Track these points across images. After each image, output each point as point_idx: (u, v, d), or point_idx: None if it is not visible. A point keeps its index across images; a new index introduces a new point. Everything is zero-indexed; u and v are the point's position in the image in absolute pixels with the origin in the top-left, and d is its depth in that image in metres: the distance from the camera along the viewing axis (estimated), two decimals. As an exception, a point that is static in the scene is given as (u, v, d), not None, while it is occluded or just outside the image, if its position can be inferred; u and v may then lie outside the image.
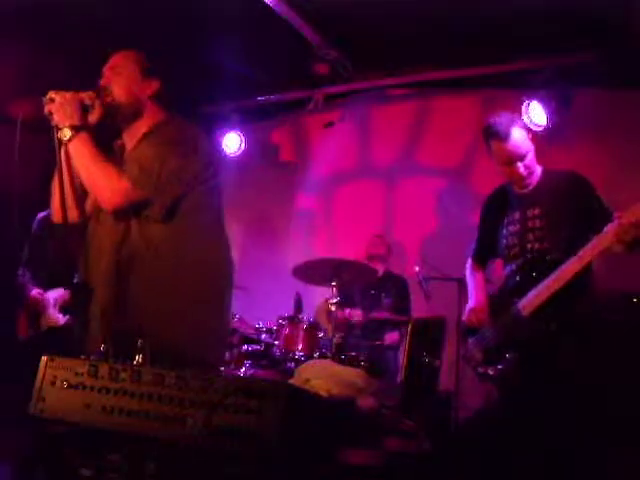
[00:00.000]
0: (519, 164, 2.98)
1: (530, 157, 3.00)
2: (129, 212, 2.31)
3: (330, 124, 5.78)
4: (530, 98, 4.65)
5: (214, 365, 2.38)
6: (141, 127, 2.41)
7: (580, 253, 2.74)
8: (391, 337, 4.87)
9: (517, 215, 3.07)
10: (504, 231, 3.10)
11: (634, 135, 4.66)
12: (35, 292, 3.99)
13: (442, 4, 4.13)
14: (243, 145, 5.98)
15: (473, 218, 5.11)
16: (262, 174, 6.24)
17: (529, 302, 2.88)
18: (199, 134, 2.41)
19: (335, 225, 6.09)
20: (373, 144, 6.00)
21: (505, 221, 3.11)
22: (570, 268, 2.76)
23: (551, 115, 4.55)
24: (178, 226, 2.33)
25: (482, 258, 3.34)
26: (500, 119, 3.01)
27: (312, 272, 4.53)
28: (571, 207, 2.93)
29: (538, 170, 3.06)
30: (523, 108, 4.67)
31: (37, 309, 3.97)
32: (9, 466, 2.28)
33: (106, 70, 2.40)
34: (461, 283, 4.47)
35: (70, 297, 3.81)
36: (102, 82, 2.37)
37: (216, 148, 5.33)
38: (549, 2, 4.00)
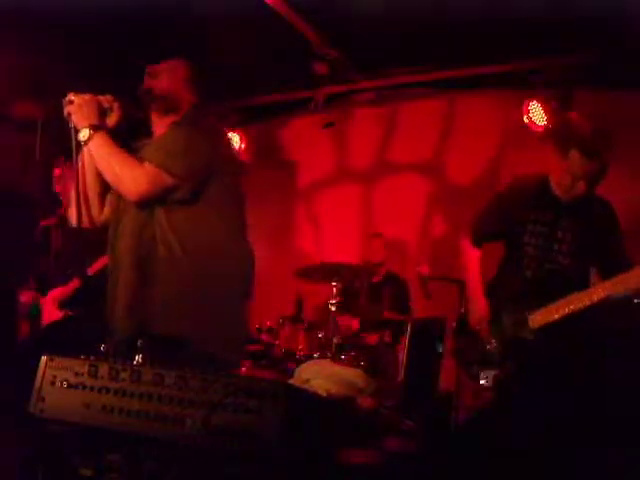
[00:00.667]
0: (587, 185, 2.84)
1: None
2: (155, 201, 2.30)
3: (330, 124, 5.78)
4: (530, 98, 4.66)
5: (230, 363, 2.35)
6: (171, 120, 2.44)
7: (605, 284, 2.72)
8: (371, 338, 4.87)
9: (549, 218, 2.94)
10: (528, 227, 2.96)
11: (634, 135, 4.65)
12: (25, 296, 4.09)
13: (442, 4, 4.13)
14: (243, 145, 5.98)
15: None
16: (262, 174, 6.24)
17: (541, 316, 2.84)
18: (219, 126, 2.51)
19: (335, 225, 6.08)
20: (374, 144, 6.00)
21: (532, 217, 2.96)
22: (592, 295, 2.72)
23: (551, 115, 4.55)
24: (199, 215, 2.33)
25: (482, 240, 3.18)
26: (601, 135, 2.84)
27: (313, 274, 4.56)
28: (601, 236, 2.89)
29: None
30: (523, 108, 4.68)
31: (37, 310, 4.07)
32: (9, 466, 2.28)
33: (153, 69, 2.46)
34: (461, 283, 4.47)
35: (78, 291, 3.95)
36: (151, 70, 2.44)
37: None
38: (549, 2, 4.00)
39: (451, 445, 3.22)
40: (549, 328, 2.82)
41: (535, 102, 4.63)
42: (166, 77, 2.44)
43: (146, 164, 2.25)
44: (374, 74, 5.47)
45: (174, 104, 2.44)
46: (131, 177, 2.25)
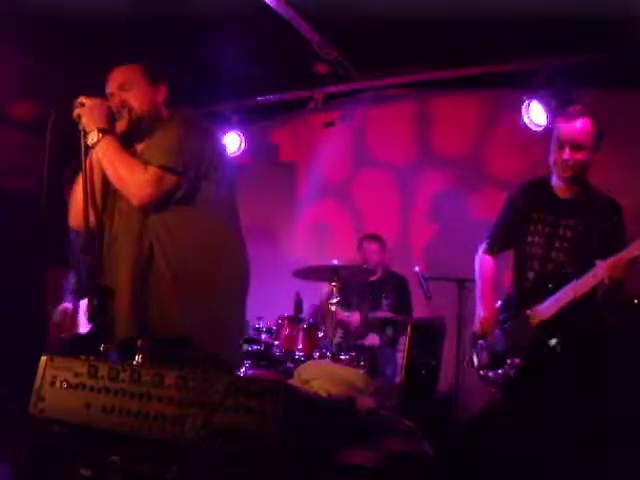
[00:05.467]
0: (572, 152, 2.90)
1: (587, 156, 2.92)
2: (159, 205, 2.33)
3: (330, 124, 5.78)
4: (530, 98, 4.65)
5: (229, 363, 2.37)
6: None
7: (594, 271, 2.72)
8: (371, 339, 4.87)
9: (550, 217, 3.00)
10: (531, 228, 3.03)
11: (634, 135, 4.65)
12: (65, 305, 4.07)
13: (442, 4, 4.12)
14: (243, 145, 5.98)
15: (473, 218, 5.15)
16: (262, 174, 6.24)
17: (540, 312, 2.87)
18: (209, 124, 2.50)
19: (335, 225, 6.08)
20: (372, 144, 6.00)
21: (534, 217, 3.03)
22: (585, 284, 2.74)
23: (551, 115, 4.54)
24: (195, 214, 2.38)
25: (497, 247, 3.25)
26: (576, 104, 3.11)
27: (312, 274, 4.57)
28: (602, 232, 2.90)
29: (584, 180, 3.00)
30: (523, 108, 4.68)
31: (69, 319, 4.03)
32: (9, 466, 2.28)
33: (114, 90, 2.43)
34: (461, 283, 4.48)
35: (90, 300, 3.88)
36: (117, 102, 2.40)
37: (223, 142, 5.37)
38: (549, 2, 4.00)
39: (452, 445, 3.23)
40: (552, 324, 2.83)
41: (535, 102, 4.63)
42: (134, 91, 2.42)
43: (149, 167, 2.29)
44: (374, 74, 5.46)
45: (155, 117, 2.45)
46: (137, 182, 2.29)
